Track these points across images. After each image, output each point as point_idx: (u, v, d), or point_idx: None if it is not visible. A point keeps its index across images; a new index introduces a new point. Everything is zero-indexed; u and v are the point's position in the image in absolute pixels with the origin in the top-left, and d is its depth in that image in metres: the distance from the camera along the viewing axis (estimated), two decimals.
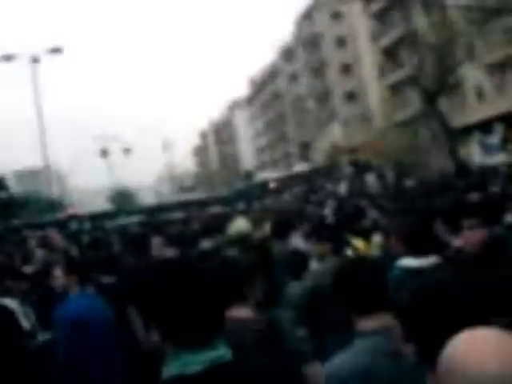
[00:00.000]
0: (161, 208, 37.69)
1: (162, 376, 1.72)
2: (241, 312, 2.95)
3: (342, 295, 2.70)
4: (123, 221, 28.94)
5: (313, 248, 5.28)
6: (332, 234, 5.32)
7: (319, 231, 5.17)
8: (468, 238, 3.42)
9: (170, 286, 1.72)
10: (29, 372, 4.72)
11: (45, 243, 11.44)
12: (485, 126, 30.25)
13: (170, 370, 1.70)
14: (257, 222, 8.05)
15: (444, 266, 3.51)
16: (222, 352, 1.74)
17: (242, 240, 4.60)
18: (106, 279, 5.91)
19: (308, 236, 5.20)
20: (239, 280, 3.00)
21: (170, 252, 7.36)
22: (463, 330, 1.32)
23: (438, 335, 1.57)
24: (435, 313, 1.73)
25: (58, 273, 5.38)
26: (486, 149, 27.37)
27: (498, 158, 22.80)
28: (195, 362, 1.68)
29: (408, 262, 3.78)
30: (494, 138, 27.21)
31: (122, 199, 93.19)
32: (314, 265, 5.29)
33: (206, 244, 7.83)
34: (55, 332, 4.84)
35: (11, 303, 5.34)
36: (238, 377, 1.73)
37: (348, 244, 5.91)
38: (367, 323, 2.55)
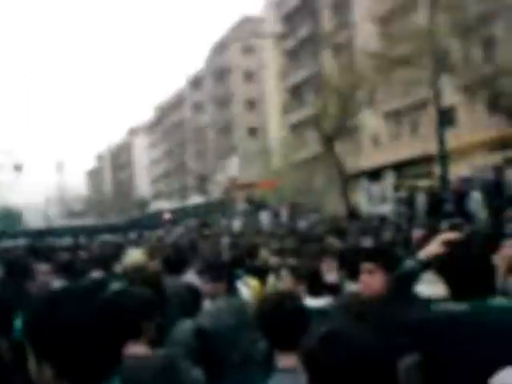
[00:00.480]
0: (49, 232, 36.26)
1: None
2: (137, 348, 2.83)
3: (265, 331, 2.68)
4: (6, 243, 27.51)
5: (205, 286, 5.16)
6: (226, 273, 5.27)
7: (213, 269, 5.08)
8: (367, 283, 3.39)
9: (68, 319, 1.59)
10: None
11: None
12: (377, 173, 31.63)
13: None
14: (151, 255, 7.85)
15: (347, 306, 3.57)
16: None
17: (137, 272, 4.46)
18: None
19: (201, 272, 5.09)
20: (138, 314, 2.87)
21: (58, 281, 7.03)
22: None
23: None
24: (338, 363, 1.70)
25: None
26: (372, 197, 28.66)
27: (386, 208, 23.77)
28: None
29: (310, 302, 3.85)
30: (380, 187, 28.48)
31: (7, 220, 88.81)
32: (206, 303, 5.25)
33: (96, 274, 7.56)
34: None
35: None
36: None
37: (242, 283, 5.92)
38: (290, 360, 2.48)
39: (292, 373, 2.34)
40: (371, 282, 3.34)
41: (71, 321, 1.59)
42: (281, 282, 5.19)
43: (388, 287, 3.31)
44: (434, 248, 3.33)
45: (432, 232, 8.48)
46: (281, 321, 2.60)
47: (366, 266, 3.39)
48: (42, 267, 6.34)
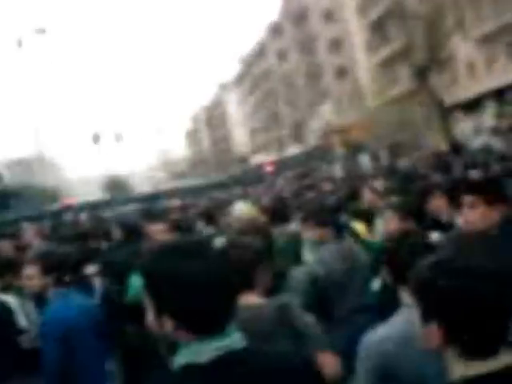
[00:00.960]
0: (157, 195, 37.49)
1: (173, 365, 1.70)
2: (251, 298, 2.91)
3: (390, 266, 2.67)
4: (120, 209, 28.84)
5: (311, 232, 5.12)
6: (331, 218, 5.20)
7: (318, 214, 5.05)
8: (468, 217, 3.15)
9: (187, 270, 1.65)
10: (21, 370, 4.61)
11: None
12: (476, 103, 30.18)
13: (180, 359, 1.68)
14: (260, 207, 8.02)
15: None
16: (235, 339, 1.71)
17: (248, 224, 4.53)
18: (91, 269, 5.77)
19: (305, 219, 5.06)
20: (251, 264, 2.93)
21: (172, 238, 7.30)
22: None
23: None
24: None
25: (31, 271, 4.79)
26: (478, 129, 27.36)
27: (493, 140, 22.66)
28: (207, 350, 1.66)
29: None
30: (486, 118, 27.10)
31: (117, 187, 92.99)
32: (307, 249, 5.26)
33: (207, 230, 7.84)
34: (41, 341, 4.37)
35: (10, 299, 5.11)
36: (253, 364, 1.69)
37: (347, 228, 5.92)
38: None
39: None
40: (472, 216, 3.09)
41: (186, 272, 1.65)
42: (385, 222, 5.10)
43: (495, 223, 3.04)
44: None
45: None
46: (406, 255, 2.54)
47: (467, 198, 3.13)
48: (157, 227, 6.52)
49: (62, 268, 4.39)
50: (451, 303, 1.58)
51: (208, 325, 1.67)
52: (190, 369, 1.66)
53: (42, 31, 40.58)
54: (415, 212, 4.47)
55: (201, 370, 1.65)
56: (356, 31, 52.13)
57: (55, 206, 45.12)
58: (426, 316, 1.65)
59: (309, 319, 3.09)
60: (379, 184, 9.11)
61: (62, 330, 4.15)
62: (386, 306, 3.45)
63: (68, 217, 29.57)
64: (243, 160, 79.25)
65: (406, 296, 2.48)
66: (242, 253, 2.96)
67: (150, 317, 1.72)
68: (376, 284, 3.97)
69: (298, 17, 64.28)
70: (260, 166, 46.66)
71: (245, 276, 2.87)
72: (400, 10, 34.29)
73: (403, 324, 2.37)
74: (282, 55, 70.92)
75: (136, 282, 5.26)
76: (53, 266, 4.38)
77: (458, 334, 1.59)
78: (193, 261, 1.67)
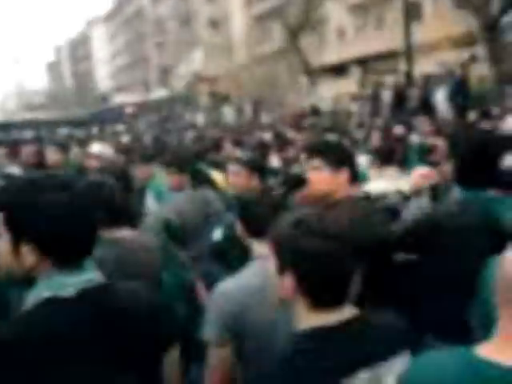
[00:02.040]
0: (9, 125, 35.25)
1: (30, 298, 1.65)
2: (124, 232, 3.05)
3: (244, 221, 2.72)
4: None
5: (170, 178, 5.11)
6: (190, 165, 5.29)
7: (178, 161, 5.05)
8: (313, 180, 3.09)
9: (51, 199, 1.63)
10: None
11: None
12: (342, 68, 31.26)
13: (41, 291, 1.64)
14: (119, 149, 7.83)
15: None
16: (96, 274, 1.72)
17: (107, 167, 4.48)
18: None
19: (167, 165, 5.04)
20: (112, 202, 3.05)
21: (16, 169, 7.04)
22: None
23: None
24: None
25: None
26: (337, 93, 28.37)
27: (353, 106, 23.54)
28: (70, 283, 1.64)
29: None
30: (350, 84, 28.13)
31: None
32: (151, 197, 5.40)
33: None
34: None
35: None
36: (114, 299, 1.73)
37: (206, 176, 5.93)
38: (264, 248, 2.45)
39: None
40: (315, 178, 3.06)
41: (50, 200, 1.63)
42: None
43: (341, 187, 3.07)
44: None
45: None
46: (260, 212, 2.62)
47: (311, 161, 3.11)
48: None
49: None
50: (306, 259, 1.73)
51: (71, 254, 1.66)
52: (51, 302, 1.62)
53: None
54: (259, 168, 4.56)
55: (65, 303, 1.63)
56: None
57: None
58: (282, 268, 1.78)
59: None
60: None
61: None
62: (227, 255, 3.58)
63: None
64: (104, 98, 76.69)
65: (258, 248, 2.55)
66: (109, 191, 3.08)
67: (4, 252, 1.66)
68: (217, 233, 4.04)
69: None
70: (121, 106, 45.34)
71: (111, 212, 2.96)
72: None
73: (254, 274, 2.45)
74: None
75: None
76: None
77: (308, 286, 1.75)
78: (58, 193, 1.66)
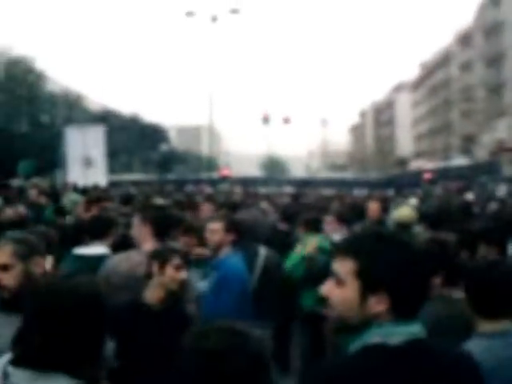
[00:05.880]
0: (310, 182, 37.68)
1: (357, 343, 1.73)
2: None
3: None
4: (272, 189, 29.31)
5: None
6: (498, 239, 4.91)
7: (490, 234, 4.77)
8: None
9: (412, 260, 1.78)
10: None
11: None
12: None
13: (369, 338, 1.72)
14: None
15: None
16: (420, 327, 1.76)
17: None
18: None
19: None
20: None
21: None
22: None
23: None
24: None
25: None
26: None
27: None
28: (400, 333, 1.70)
29: None
30: None
31: (274, 168, 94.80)
32: None
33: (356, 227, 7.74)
34: None
35: None
36: (439, 356, 1.73)
37: None
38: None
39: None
40: None
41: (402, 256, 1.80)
42: None
43: None
44: None
45: None
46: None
47: None
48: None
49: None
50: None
51: (411, 307, 1.75)
52: (377, 349, 1.70)
53: (235, 11, 45.37)
54: None
55: (390, 352, 1.68)
56: None
57: (214, 175, 46.98)
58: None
59: None
60: None
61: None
62: None
63: (223, 187, 30.65)
64: (403, 162, 77.42)
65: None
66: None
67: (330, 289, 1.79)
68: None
69: (490, 29, 60.86)
70: (419, 171, 45.14)
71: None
72: None
73: None
74: (465, 66, 67.95)
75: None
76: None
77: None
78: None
